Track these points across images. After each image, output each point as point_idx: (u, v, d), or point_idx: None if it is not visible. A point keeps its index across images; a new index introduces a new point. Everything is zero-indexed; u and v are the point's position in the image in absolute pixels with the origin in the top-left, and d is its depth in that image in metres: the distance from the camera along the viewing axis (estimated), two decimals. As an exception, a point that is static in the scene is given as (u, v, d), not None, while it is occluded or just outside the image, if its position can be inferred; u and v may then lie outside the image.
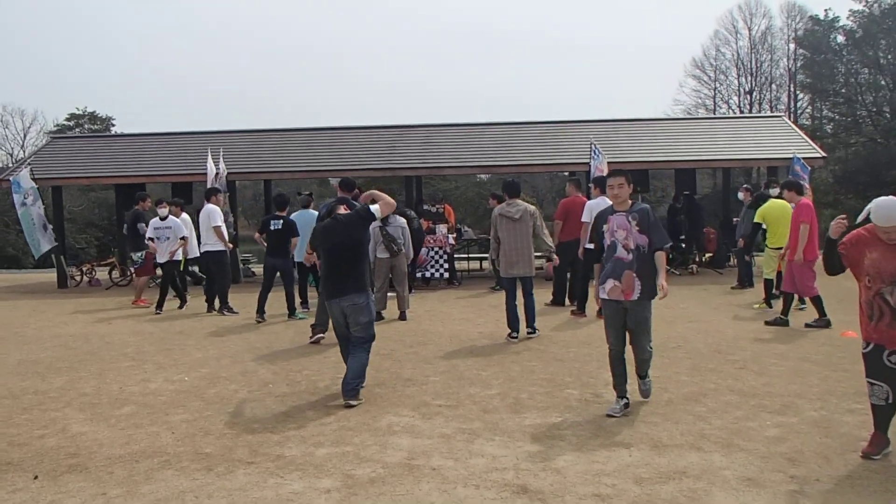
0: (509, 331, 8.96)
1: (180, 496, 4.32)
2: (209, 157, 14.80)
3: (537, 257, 10.46)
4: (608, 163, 14.57)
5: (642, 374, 6.07)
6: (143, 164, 17.74)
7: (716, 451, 4.87)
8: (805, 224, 9.23)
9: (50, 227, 15.90)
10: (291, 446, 5.18)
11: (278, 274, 10.96)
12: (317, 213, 10.04)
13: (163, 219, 12.39)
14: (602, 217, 5.95)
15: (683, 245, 16.56)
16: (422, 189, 20.42)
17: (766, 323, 9.46)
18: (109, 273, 17.52)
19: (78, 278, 17.52)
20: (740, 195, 14.01)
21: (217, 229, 11.69)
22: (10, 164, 34.41)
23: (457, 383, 6.90)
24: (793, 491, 4.18)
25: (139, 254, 13.09)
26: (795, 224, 9.37)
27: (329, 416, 5.92)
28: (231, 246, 12.37)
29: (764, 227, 11.08)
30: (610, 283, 5.80)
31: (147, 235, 12.42)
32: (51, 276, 17.77)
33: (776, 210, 10.70)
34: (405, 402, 6.26)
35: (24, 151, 43.16)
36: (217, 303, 11.86)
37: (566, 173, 17.78)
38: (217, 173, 14.69)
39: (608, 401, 6.14)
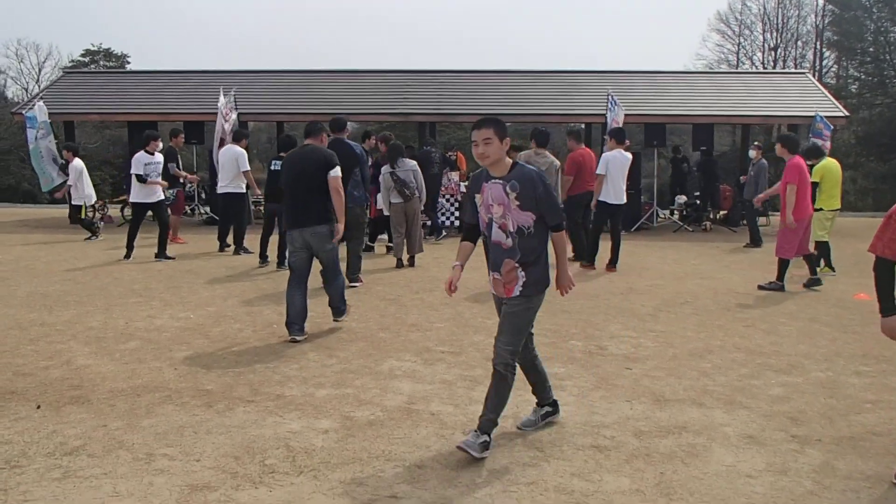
0: None
1: (179, 430, 4.34)
2: (220, 96, 14.64)
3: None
4: (626, 114, 14.38)
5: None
6: (155, 102, 17.62)
7: (718, 408, 4.84)
8: (791, 185, 8.59)
9: (61, 161, 15.84)
10: (292, 386, 5.19)
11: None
12: None
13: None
14: (475, 183, 4.29)
15: (698, 202, 16.38)
16: (436, 136, 20.22)
17: (760, 287, 8.99)
18: (121, 210, 17.53)
19: (90, 215, 17.53)
20: (751, 153, 13.72)
21: (247, 174, 11.62)
22: (25, 99, 34.28)
23: (461, 330, 6.88)
24: (793, 450, 4.15)
25: (171, 191, 12.87)
26: (783, 185, 8.75)
27: (331, 358, 5.92)
28: (259, 192, 12.16)
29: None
30: (491, 276, 4.36)
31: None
32: (63, 211, 17.80)
33: (835, 170, 9.76)
34: (408, 348, 6.25)
35: (38, 86, 42.93)
36: (231, 243, 11.89)
37: (582, 125, 17.54)
38: (226, 112, 14.52)
39: (612, 354, 6.12)
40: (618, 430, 4.44)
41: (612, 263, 10.31)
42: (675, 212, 17.05)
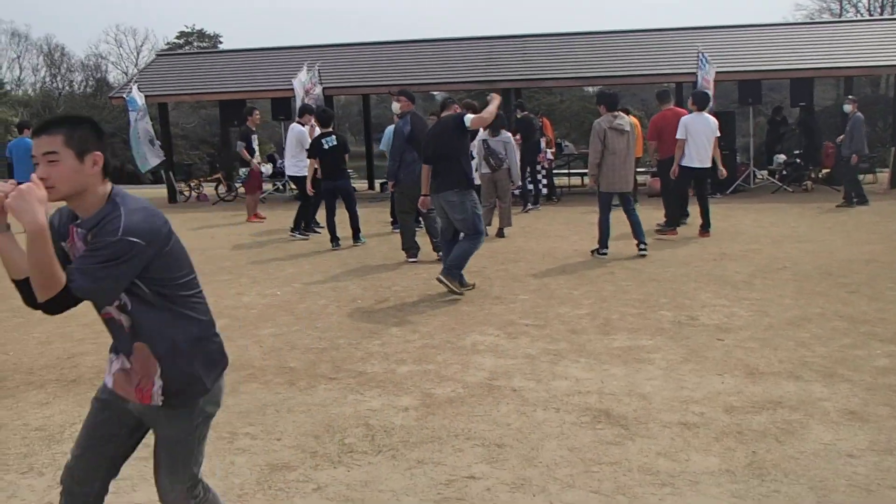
0: (597, 247, 8.67)
1: (262, 409, 4.40)
2: (303, 71, 14.76)
3: (640, 172, 10.06)
4: (717, 72, 13.74)
5: None
6: (244, 80, 17.95)
7: (816, 381, 4.56)
8: None
9: (158, 142, 16.39)
10: (374, 363, 5.19)
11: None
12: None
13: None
14: (59, 224, 2.37)
15: (798, 161, 15.55)
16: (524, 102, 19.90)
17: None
18: (216, 188, 18.06)
19: (187, 193, 18.15)
20: (846, 107, 12.84)
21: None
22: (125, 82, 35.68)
23: (546, 302, 6.74)
24: (900, 427, 3.87)
25: (244, 170, 13.09)
26: None
27: (414, 333, 5.90)
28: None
29: None
30: (112, 366, 2.56)
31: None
32: (162, 191, 18.48)
33: None
34: (492, 321, 6.16)
35: (137, 70, 44.63)
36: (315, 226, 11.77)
37: (672, 84, 16.88)
38: (309, 87, 14.63)
39: (703, 324, 5.87)
40: (707, 406, 4.24)
41: (705, 228, 9.90)
42: (775, 172, 16.26)
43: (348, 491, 3.40)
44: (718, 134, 9.94)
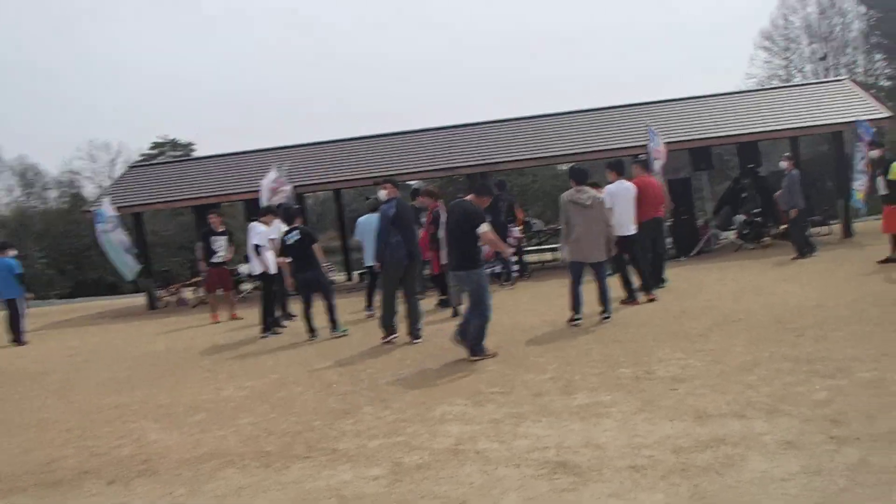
0: (571, 314, 9.00)
1: (238, 492, 4.62)
2: (272, 171, 15.30)
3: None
4: (668, 142, 14.43)
5: None
6: (216, 185, 18.47)
7: (759, 418, 4.87)
8: None
9: (135, 250, 16.72)
10: (346, 440, 5.43)
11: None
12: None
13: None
14: None
15: (759, 219, 16.14)
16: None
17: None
18: (194, 291, 18.33)
19: (166, 299, 18.39)
20: (782, 164, 13.55)
21: (258, 248, 11.18)
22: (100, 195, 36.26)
23: (512, 371, 7.03)
24: (830, 451, 4.17)
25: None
26: None
27: (386, 409, 6.15)
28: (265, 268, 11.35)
29: None
30: None
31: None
32: (141, 300, 18.70)
33: None
34: (460, 392, 6.44)
35: (111, 182, 45.32)
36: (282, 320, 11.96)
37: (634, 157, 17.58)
38: (274, 188, 15.13)
39: (659, 377, 6.18)
40: (657, 450, 4.52)
41: (647, 289, 10.25)
42: (736, 231, 16.84)
43: (319, 555, 3.63)
44: (634, 200, 10.32)
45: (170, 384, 8.21)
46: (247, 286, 17.49)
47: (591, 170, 10.70)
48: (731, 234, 17.30)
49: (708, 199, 17.85)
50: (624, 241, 10.08)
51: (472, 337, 7.75)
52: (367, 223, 11.58)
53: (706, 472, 4.08)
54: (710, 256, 15.23)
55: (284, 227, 10.89)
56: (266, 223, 11.45)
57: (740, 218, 16.70)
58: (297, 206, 11.55)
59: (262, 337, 10.90)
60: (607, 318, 8.94)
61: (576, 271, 9.04)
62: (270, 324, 11.16)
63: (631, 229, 10.23)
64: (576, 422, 5.25)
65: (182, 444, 5.80)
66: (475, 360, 7.56)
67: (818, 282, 10.21)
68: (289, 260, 10.31)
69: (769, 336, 7.20)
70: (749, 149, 16.30)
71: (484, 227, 7.64)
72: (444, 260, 10.83)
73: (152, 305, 17.81)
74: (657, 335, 7.85)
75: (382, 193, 9.82)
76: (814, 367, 5.92)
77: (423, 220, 11.46)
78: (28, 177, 43.96)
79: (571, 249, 9.00)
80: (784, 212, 13.07)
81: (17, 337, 13.55)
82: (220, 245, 13.53)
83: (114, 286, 34.11)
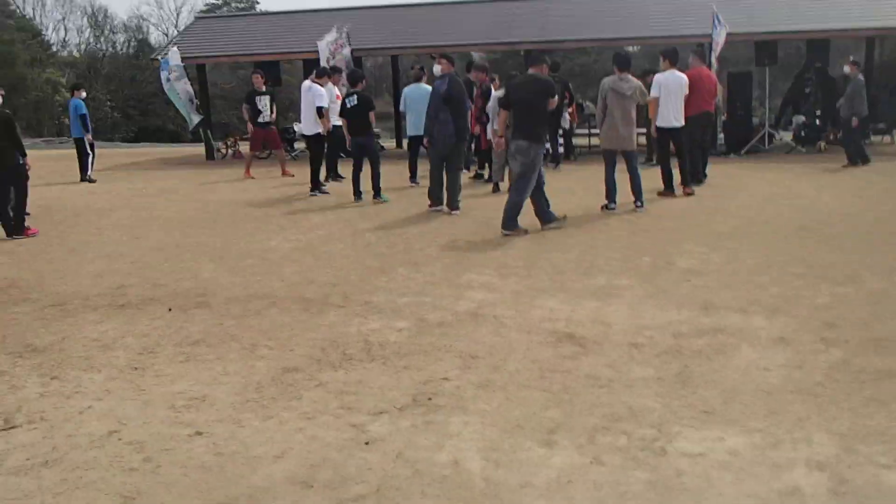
0: (605, 202, 9.29)
1: (279, 328, 5.20)
2: (331, 32, 15.40)
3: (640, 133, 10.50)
4: (734, 33, 14.08)
5: None
6: (278, 42, 18.67)
7: (759, 314, 5.22)
8: None
9: (196, 102, 17.23)
10: (378, 295, 5.96)
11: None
12: (429, 87, 10.55)
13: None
14: None
15: (817, 122, 15.86)
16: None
17: None
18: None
19: (224, 151, 19.03)
20: (846, 69, 12.96)
21: (320, 110, 11.46)
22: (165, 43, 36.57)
23: (539, 247, 7.44)
24: (817, 350, 4.52)
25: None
26: None
27: (418, 272, 6.65)
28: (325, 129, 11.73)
29: None
30: None
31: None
32: (200, 149, 19.38)
33: None
34: (488, 263, 6.89)
35: (177, 31, 45.49)
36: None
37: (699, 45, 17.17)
38: (333, 50, 15.27)
39: (678, 268, 6.53)
40: (658, 332, 4.93)
41: (685, 183, 10.34)
42: (792, 132, 16.60)
43: (344, 386, 4.19)
44: (687, 91, 10.11)
45: (224, 230, 8.83)
46: (300, 145, 17.95)
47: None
48: (788, 135, 17.05)
49: (768, 97, 17.47)
50: (668, 133, 10.16)
51: (507, 210, 8.07)
52: (412, 94, 11.80)
53: (698, 356, 4.49)
54: (760, 156, 15.14)
55: (336, 90, 11.21)
56: (322, 84, 11.74)
57: (800, 119, 16.42)
58: (360, 71, 11.74)
59: (311, 195, 11.43)
60: (640, 207, 9.19)
61: (609, 158, 9.25)
62: (318, 183, 11.65)
63: (677, 122, 10.18)
64: (589, 300, 5.68)
65: (233, 284, 6.41)
66: (507, 235, 7.95)
67: (858, 192, 10.25)
68: (344, 122, 10.67)
69: (791, 240, 7.44)
70: (819, 47, 15.77)
71: (554, 99, 8.08)
72: (489, 134, 11.15)
73: (210, 156, 18.47)
74: (685, 229, 8.13)
75: (437, 68, 9.98)
76: (825, 272, 6.19)
77: (474, 93, 11.66)
78: (97, 19, 44.34)
79: (606, 136, 9.18)
80: (845, 119, 12.79)
81: (83, 175, 14.37)
82: (265, 105, 13.76)
83: (175, 135, 35.00)
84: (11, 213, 8.71)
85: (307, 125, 11.77)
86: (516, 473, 3.23)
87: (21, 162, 8.65)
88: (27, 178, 8.81)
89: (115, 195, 12.40)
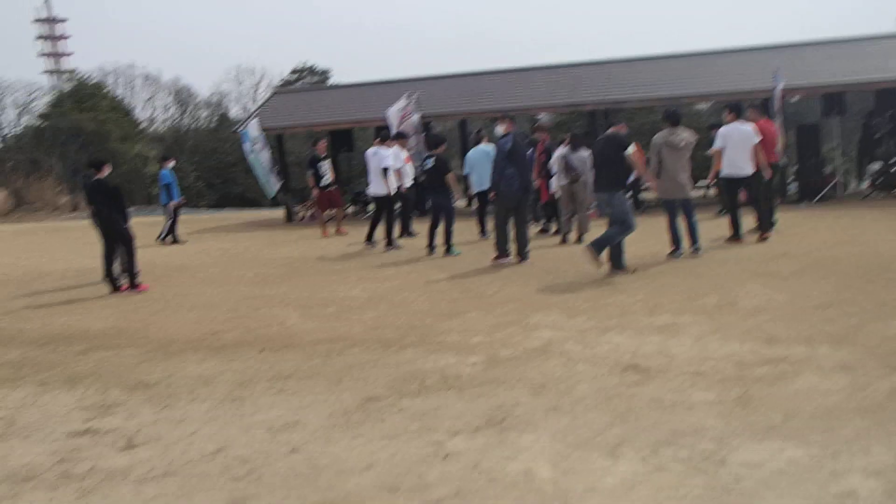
0: (672, 248, 9.54)
1: (362, 365, 5.61)
2: (401, 99, 16.23)
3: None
4: (797, 87, 14.27)
5: None
6: (350, 111, 19.65)
7: (825, 345, 5.37)
8: None
9: (276, 168, 18.24)
10: (453, 335, 6.33)
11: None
12: (490, 146, 11.15)
13: None
14: None
15: (894, 169, 15.74)
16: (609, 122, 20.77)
17: None
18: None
19: (302, 214, 19.94)
20: None
21: (396, 171, 12.36)
22: (244, 117, 38.48)
23: (607, 290, 7.72)
24: (882, 374, 4.65)
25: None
26: None
27: (489, 315, 7.01)
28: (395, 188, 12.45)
29: None
30: None
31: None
32: (279, 213, 20.36)
33: None
34: (556, 305, 7.20)
35: (254, 104, 47.79)
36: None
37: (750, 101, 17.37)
38: (405, 114, 16.06)
39: (742, 307, 6.71)
40: (721, 362, 5.15)
41: (761, 229, 10.56)
42: (868, 179, 16.51)
43: (422, 411, 4.55)
44: (756, 140, 10.33)
45: (306, 283, 9.40)
46: (370, 207, 18.69)
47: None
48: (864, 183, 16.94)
49: (839, 146, 17.43)
50: (737, 182, 10.40)
51: (601, 238, 8.73)
52: (474, 154, 12.45)
53: (759, 382, 4.69)
54: (834, 204, 15.08)
55: (403, 153, 12.04)
56: (389, 146, 12.51)
57: (875, 166, 16.33)
58: (439, 135, 12.54)
59: (386, 250, 12.04)
60: (698, 251, 9.42)
61: (669, 208, 9.57)
62: (391, 239, 12.25)
63: (746, 170, 10.36)
64: (654, 335, 5.93)
65: (317, 329, 6.89)
66: (614, 274, 8.59)
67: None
68: (413, 183, 11.37)
69: (857, 280, 7.52)
70: (888, 96, 15.76)
71: (630, 150, 8.91)
72: (552, 189, 11.73)
73: (289, 218, 19.39)
74: (750, 272, 8.29)
75: (500, 129, 10.50)
76: (894, 309, 6.29)
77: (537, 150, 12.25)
78: (182, 97, 47.08)
79: (663, 188, 9.52)
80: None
81: (163, 237, 15.36)
82: (326, 169, 14.84)
83: (255, 201, 36.49)
84: (115, 274, 9.48)
85: (375, 187, 12.51)
86: (583, 480, 3.52)
87: (126, 226, 9.44)
88: (132, 238, 9.57)
89: (206, 254, 13.22)
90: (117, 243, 9.43)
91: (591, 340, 5.90)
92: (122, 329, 7.40)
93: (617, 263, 8.72)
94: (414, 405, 4.66)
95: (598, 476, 3.55)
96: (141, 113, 46.25)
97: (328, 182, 14.87)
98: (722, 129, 10.44)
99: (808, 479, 3.38)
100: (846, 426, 3.93)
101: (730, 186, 10.53)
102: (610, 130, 9.29)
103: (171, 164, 15.92)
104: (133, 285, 9.45)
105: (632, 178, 15.10)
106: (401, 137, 13.53)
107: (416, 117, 16.60)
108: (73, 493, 3.73)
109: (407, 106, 16.31)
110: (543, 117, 17.76)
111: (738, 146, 10.34)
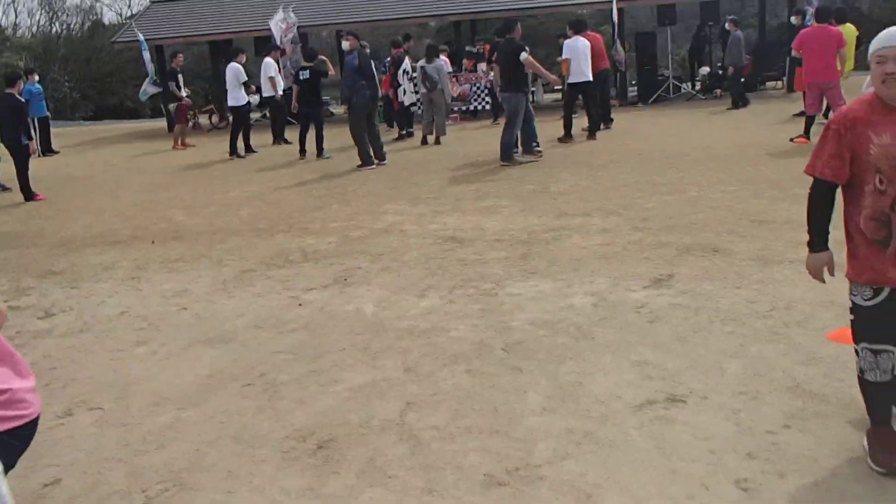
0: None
1: (238, 248, 6.90)
2: (278, 12, 16.88)
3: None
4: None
5: None
6: (229, 23, 20.03)
7: (597, 216, 7.01)
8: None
9: (155, 78, 18.58)
10: (315, 223, 7.67)
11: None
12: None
13: None
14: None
15: (720, 72, 17.67)
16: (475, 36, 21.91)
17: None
18: (209, 118, 20.35)
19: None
20: (727, 26, 15.11)
21: (270, 80, 13.83)
22: (118, 24, 37.25)
23: (448, 183, 9.19)
24: (626, 232, 6.33)
25: (172, 105, 16.01)
26: None
27: (347, 206, 8.36)
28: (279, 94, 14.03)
29: None
30: None
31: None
32: (162, 123, 20.76)
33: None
34: (404, 197, 8.62)
35: (130, 11, 45.99)
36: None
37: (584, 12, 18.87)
38: (284, 29, 16.79)
39: (550, 191, 8.30)
40: (518, 231, 6.71)
41: (591, 132, 12.15)
42: (699, 83, 18.50)
43: (284, 277, 5.91)
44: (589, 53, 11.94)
45: (190, 188, 10.45)
46: (255, 115, 19.42)
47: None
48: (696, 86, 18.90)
49: (670, 53, 19.33)
50: (578, 87, 11.99)
51: (503, 146, 10.07)
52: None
53: (540, 243, 6.28)
54: (666, 104, 16.98)
55: (275, 64, 13.24)
56: (274, 58, 13.72)
57: (704, 70, 18.30)
58: (315, 49, 13.58)
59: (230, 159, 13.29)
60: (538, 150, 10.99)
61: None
62: (241, 147, 13.51)
63: (586, 77, 11.89)
64: (475, 216, 7.45)
65: (201, 223, 8.08)
66: (504, 165, 10.02)
67: (726, 129, 12.13)
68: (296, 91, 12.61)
69: (649, 167, 9.25)
70: (710, 7, 17.61)
71: (524, 55, 9.93)
72: (401, 98, 13.24)
73: (171, 128, 19.83)
74: (569, 164, 9.92)
75: (346, 44, 11.55)
76: (662, 188, 8.02)
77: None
78: (50, 1, 44.70)
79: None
80: (726, 67, 14.74)
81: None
82: (182, 82, 15.98)
83: (133, 111, 35.84)
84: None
85: (267, 90, 13.91)
86: (396, 312, 5.00)
87: (25, 143, 10.16)
88: (28, 156, 10.33)
89: (91, 166, 13.89)
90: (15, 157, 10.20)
91: (426, 221, 7.37)
92: (21, 232, 8.36)
93: (506, 156, 10.11)
94: (279, 274, 6.02)
95: (406, 308, 5.03)
96: (2, 18, 43.84)
97: (182, 95, 15.88)
98: (567, 42, 11.91)
99: (547, 300, 4.97)
100: (586, 268, 5.55)
101: (572, 91, 12.10)
102: (508, 36, 10.45)
103: (35, 78, 16.04)
104: (28, 196, 10.27)
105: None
106: (274, 50, 14.41)
107: (295, 30, 17.31)
108: (13, 343, 4.94)
109: (286, 19, 16.97)
110: (395, 40, 18.83)
111: (580, 56, 11.85)
